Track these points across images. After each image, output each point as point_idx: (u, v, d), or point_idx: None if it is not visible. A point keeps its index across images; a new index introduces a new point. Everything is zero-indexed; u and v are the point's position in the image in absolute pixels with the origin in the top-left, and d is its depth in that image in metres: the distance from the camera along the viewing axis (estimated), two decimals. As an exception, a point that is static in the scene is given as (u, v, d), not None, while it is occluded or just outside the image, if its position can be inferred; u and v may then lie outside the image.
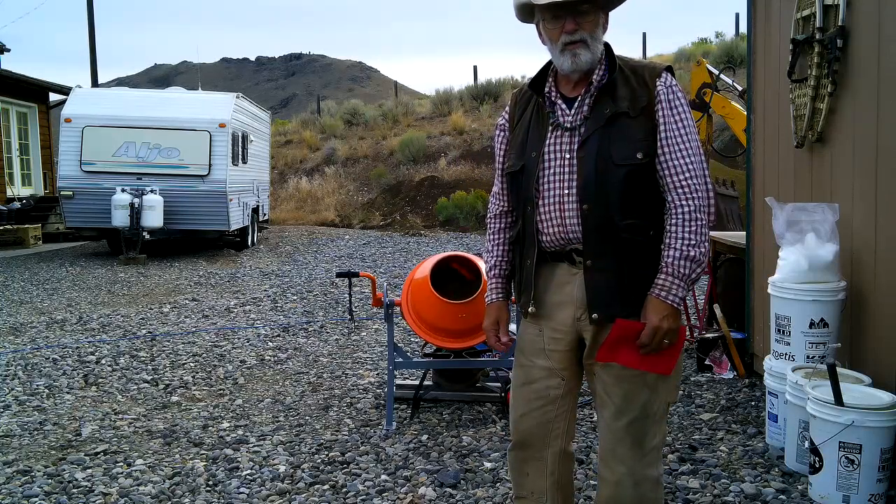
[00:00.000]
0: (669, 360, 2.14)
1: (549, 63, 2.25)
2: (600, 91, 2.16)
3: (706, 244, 2.11)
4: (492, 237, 2.45)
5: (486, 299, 2.44)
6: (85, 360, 5.90)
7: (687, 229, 2.08)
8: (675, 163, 2.10)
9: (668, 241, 2.10)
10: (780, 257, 3.78)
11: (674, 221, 2.10)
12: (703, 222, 2.10)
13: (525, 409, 2.31)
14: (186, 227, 12.62)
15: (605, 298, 2.14)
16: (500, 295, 2.42)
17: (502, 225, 2.43)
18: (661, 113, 2.12)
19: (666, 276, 2.08)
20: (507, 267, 2.42)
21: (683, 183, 2.10)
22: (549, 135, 2.21)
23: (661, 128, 2.12)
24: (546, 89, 2.25)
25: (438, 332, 4.25)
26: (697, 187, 2.10)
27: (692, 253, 2.08)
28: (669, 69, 2.19)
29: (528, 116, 2.28)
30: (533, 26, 2.27)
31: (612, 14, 2.24)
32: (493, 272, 2.43)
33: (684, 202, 2.09)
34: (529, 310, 2.27)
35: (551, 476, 2.32)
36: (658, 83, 2.14)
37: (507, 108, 2.41)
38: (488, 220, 2.48)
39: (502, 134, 2.39)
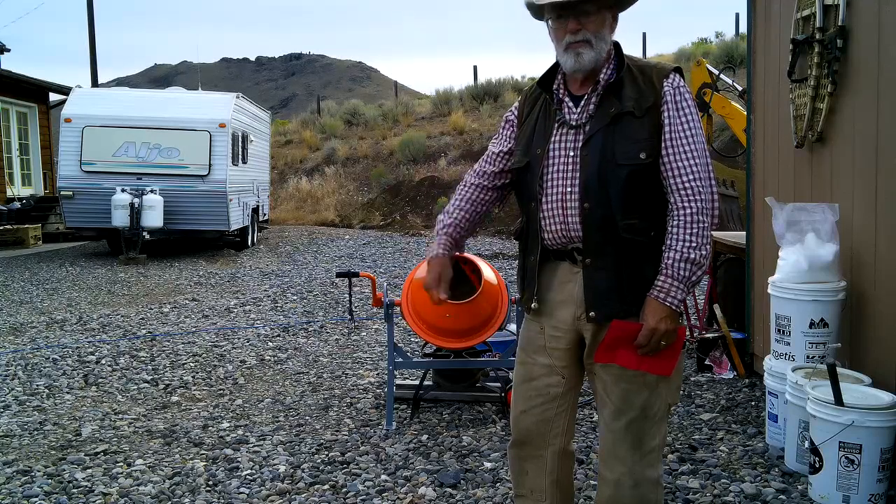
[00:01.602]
0: (669, 362, 2.13)
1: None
2: (606, 90, 2.16)
3: (707, 247, 2.10)
4: (459, 202, 2.37)
5: (430, 254, 2.33)
6: (85, 360, 5.90)
7: (688, 231, 2.07)
8: (679, 164, 2.10)
9: (669, 242, 2.10)
10: (780, 257, 3.78)
11: (676, 223, 2.09)
12: (706, 225, 2.09)
13: (525, 406, 2.31)
14: (186, 227, 12.61)
15: (603, 298, 2.14)
16: (446, 251, 2.33)
17: (475, 197, 2.37)
18: (666, 114, 2.12)
19: (665, 277, 2.08)
20: (464, 234, 2.36)
21: (687, 185, 2.09)
22: (554, 132, 2.21)
23: (666, 129, 2.11)
24: (554, 86, 2.25)
25: (438, 332, 4.25)
26: (701, 189, 2.09)
27: (693, 255, 2.07)
28: (678, 70, 2.19)
29: (536, 113, 2.29)
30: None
31: None
32: (446, 231, 2.34)
33: (687, 204, 2.08)
34: (532, 306, 2.27)
35: (550, 475, 2.32)
36: (665, 84, 2.14)
37: (516, 104, 2.42)
38: (462, 186, 2.40)
39: (510, 127, 2.40)
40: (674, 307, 2.08)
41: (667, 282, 2.08)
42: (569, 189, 2.15)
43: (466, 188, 2.40)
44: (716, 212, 2.12)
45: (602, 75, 2.17)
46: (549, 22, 2.19)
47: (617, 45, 2.21)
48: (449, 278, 2.32)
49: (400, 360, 4.35)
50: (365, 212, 18.52)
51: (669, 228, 2.11)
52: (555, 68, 2.27)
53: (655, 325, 2.07)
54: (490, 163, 2.40)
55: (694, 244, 2.07)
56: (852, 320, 3.67)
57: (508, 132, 2.39)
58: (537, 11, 2.23)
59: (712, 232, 2.14)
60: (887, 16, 3.36)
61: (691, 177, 2.09)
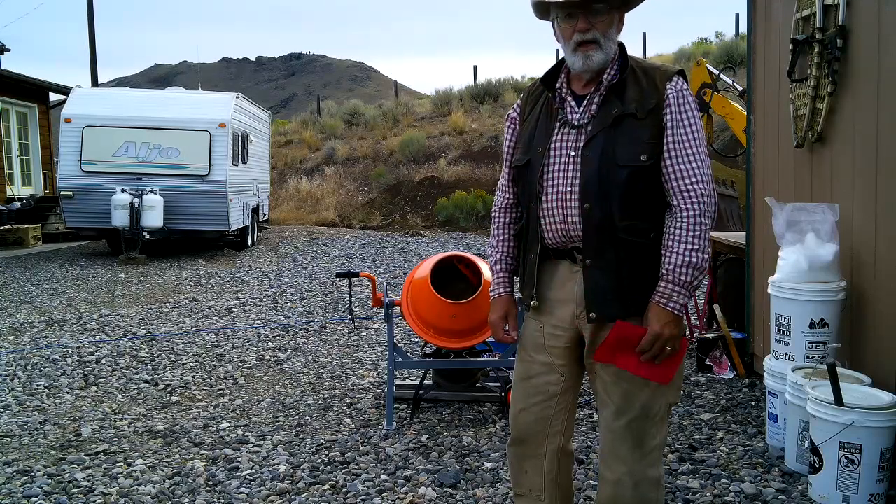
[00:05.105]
0: (669, 370, 2.13)
1: (563, 59, 2.25)
2: (609, 90, 2.16)
3: (708, 250, 2.10)
4: (497, 231, 2.43)
5: (492, 294, 2.41)
6: (85, 360, 5.90)
7: (690, 234, 2.07)
8: (681, 167, 2.09)
9: (670, 244, 2.09)
10: (780, 257, 3.78)
11: (677, 225, 2.09)
12: (706, 227, 2.09)
13: (524, 403, 2.32)
14: (186, 227, 12.62)
15: (603, 298, 2.14)
16: (506, 289, 2.40)
17: (508, 220, 2.42)
18: (668, 116, 2.11)
19: (667, 283, 2.08)
20: (513, 262, 2.41)
21: (689, 187, 2.09)
22: (556, 131, 2.21)
23: (668, 131, 2.11)
24: (557, 85, 2.25)
25: (438, 332, 4.25)
26: (703, 192, 2.08)
27: (694, 259, 2.07)
28: (682, 73, 2.19)
29: (538, 111, 2.29)
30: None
31: None
32: (498, 266, 2.41)
33: (689, 206, 2.08)
34: (531, 304, 2.27)
35: (549, 473, 2.32)
36: (668, 86, 2.13)
37: (518, 102, 2.42)
38: (494, 214, 2.46)
39: (512, 127, 2.40)
40: (676, 312, 2.08)
41: (668, 287, 2.08)
42: (569, 189, 2.15)
43: (497, 213, 2.44)
44: (715, 215, 2.13)
45: (606, 76, 2.17)
46: (557, 21, 2.18)
47: (622, 46, 2.21)
48: (515, 316, 2.39)
49: (400, 360, 4.35)
50: (365, 212, 18.53)
51: (670, 231, 2.10)
52: (558, 66, 2.27)
53: (660, 330, 2.06)
54: (508, 172, 2.41)
55: (696, 247, 2.07)
56: (852, 320, 3.67)
57: (511, 132, 2.40)
58: (543, 11, 2.22)
59: (712, 232, 2.14)
60: (887, 16, 3.36)
61: (693, 179, 2.09)
